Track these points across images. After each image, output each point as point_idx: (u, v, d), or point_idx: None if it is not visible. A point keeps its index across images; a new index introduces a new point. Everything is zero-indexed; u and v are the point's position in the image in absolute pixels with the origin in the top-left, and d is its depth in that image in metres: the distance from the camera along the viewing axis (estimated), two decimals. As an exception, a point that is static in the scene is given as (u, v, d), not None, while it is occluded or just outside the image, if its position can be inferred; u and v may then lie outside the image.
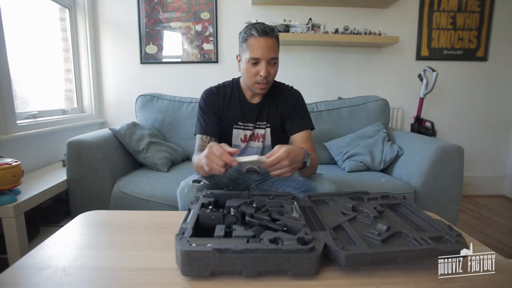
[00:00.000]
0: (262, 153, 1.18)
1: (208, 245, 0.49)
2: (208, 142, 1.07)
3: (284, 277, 0.50)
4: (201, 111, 1.13)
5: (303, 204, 0.73)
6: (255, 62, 1.00)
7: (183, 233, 0.53)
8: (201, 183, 0.97)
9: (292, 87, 1.20)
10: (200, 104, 1.14)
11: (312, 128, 1.15)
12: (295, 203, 0.70)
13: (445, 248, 0.52)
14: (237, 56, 1.10)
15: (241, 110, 1.13)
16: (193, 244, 0.49)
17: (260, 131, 1.16)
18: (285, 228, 0.58)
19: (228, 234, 0.55)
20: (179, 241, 0.50)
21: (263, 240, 0.52)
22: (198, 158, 0.92)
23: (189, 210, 0.65)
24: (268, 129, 1.15)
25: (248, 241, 0.52)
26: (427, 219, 0.66)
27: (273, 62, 1.02)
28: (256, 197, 0.75)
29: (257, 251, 0.49)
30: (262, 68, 0.99)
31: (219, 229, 0.55)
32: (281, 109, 1.13)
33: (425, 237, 0.56)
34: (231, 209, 0.65)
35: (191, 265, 0.48)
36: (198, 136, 1.12)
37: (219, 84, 1.18)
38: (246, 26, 1.03)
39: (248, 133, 1.15)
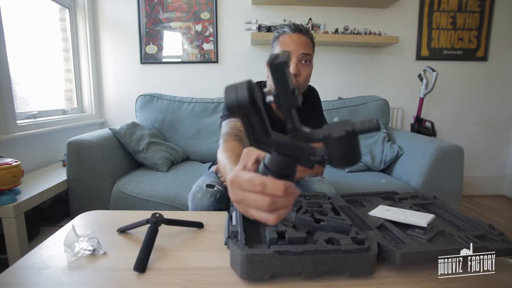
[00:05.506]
0: None
1: (268, 248, 0.49)
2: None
3: (342, 277, 0.50)
4: None
5: (340, 204, 0.73)
6: None
7: (235, 236, 0.53)
8: (215, 188, 0.93)
9: (313, 88, 1.15)
10: None
11: None
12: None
13: (494, 246, 0.52)
14: (267, 64, 1.04)
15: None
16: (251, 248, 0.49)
17: None
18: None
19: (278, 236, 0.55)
20: (237, 245, 0.49)
21: (318, 241, 0.52)
22: (221, 157, 0.69)
23: (229, 212, 0.66)
24: None
25: (305, 242, 0.52)
26: (464, 218, 0.66)
27: (305, 60, 0.93)
28: None
29: (317, 252, 0.49)
30: (292, 64, 0.91)
31: (271, 231, 0.54)
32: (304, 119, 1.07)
33: (469, 235, 0.56)
34: None
35: (251, 268, 0.48)
36: (228, 120, 0.93)
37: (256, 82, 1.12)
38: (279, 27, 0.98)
39: None
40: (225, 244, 0.58)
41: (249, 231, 0.59)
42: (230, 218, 0.63)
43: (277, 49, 0.96)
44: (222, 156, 0.68)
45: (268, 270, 0.48)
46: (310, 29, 2.05)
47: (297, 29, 0.94)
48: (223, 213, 0.75)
